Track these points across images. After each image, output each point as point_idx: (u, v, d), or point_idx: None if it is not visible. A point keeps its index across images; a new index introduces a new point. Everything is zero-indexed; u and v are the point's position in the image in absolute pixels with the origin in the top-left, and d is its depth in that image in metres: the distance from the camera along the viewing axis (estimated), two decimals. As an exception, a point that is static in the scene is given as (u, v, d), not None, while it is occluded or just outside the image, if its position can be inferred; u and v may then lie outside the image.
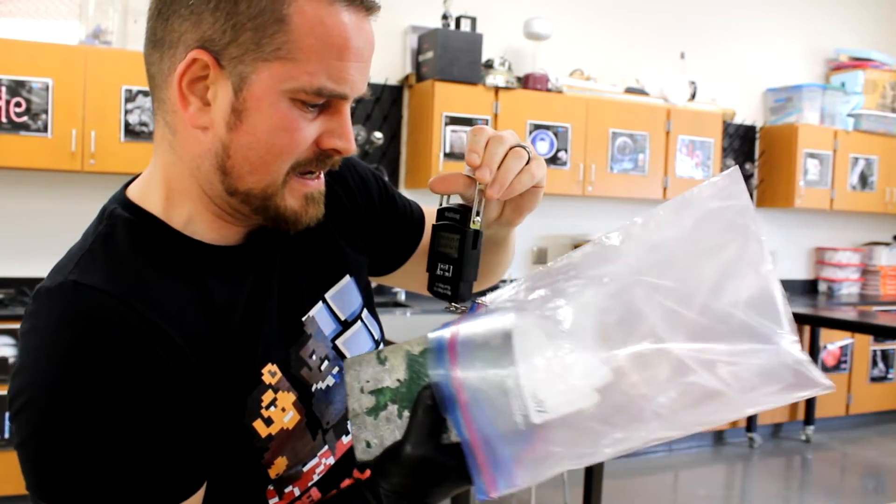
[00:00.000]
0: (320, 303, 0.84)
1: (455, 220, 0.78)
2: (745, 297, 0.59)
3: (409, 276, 1.03)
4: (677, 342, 0.58)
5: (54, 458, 0.64)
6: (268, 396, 0.75)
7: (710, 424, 0.58)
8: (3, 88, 3.34)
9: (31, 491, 0.67)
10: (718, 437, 4.94)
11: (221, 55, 0.68)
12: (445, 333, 0.66)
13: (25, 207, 3.73)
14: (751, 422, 4.85)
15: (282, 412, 0.76)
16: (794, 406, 5.08)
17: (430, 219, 1.01)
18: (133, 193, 0.78)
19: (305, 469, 0.79)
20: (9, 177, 3.68)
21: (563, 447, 0.60)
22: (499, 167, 0.75)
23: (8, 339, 3.25)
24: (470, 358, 0.63)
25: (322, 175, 0.77)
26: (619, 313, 0.61)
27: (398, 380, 0.69)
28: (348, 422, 0.82)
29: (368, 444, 0.71)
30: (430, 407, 0.64)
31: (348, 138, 0.73)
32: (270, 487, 0.77)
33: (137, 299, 0.68)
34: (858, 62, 5.61)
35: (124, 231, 0.73)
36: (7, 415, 3.47)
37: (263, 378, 0.75)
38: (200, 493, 0.71)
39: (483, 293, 0.73)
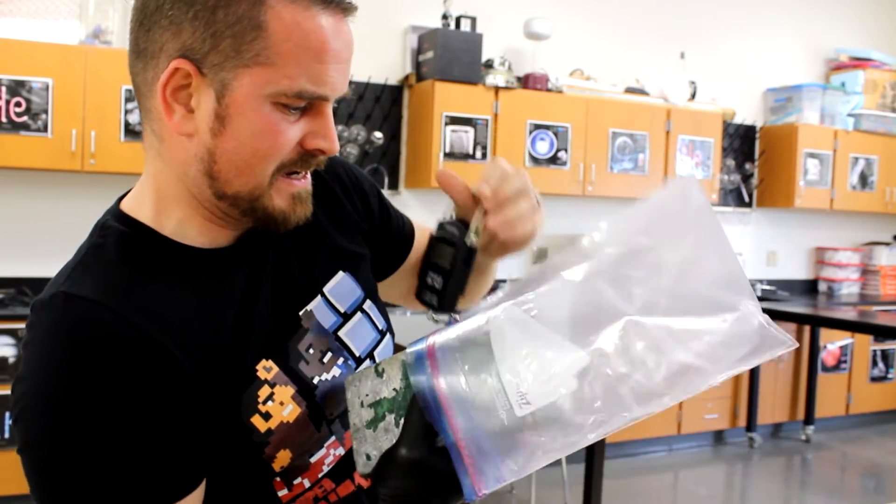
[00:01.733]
0: (319, 297, 0.85)
1: (453, 234, 0.81)
2: (709, 277, 0.63)
3: (391, 288, 1.05)
4: (648, 321, 0.61)
5: (49, 464, 0.66)
6: (264, 392, 0.76)
7: (685, 396, 0.61)
8: (3, 88, 3.34)
9: (33, 494, 0.69)
10: (718, 436, 4.94)
11: (202, 63, 0.69)
12: (425, 342, 0.68)
13: (25, 207, 3.73)
14: (751, 422, 4.85)
15: (280, 406, 0.76)
16: (794, 406, 5.08)
17: (420, 234, 1.04)
18: (125, 205, 0.79)
19: (313, 460, 0.80)
20: (9, 177, 3.68)
21: (547, 437, 0.62)
22: (508, 202, 0.78)
23: (8, 339, 3.25)
24: (449, 362, 0.65)
25: (308, 175, 0.78)
26: (589, 302, 0.63)
27: (394, 389, 0.71)
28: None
29: (369, 457, 0.71)
30: (423, 409, 0.65)
31: (332, 139, 0.75)
32: (277, 479, 0.78)
33: (127, 307, 0.69)
34: (858, 62, 5.61)
35: (115, 241, 0.75)
36: (7, 414, 3.44)
37: (258, 374, 0.76)
38: (198, 493, 0.72)
39: (459, 311, 0.76)
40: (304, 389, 0.79)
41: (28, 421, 0.67)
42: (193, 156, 0.72)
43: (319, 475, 0.81)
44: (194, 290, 0.75)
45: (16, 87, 3.36)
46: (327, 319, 0.84)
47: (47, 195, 3.75)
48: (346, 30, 0.73)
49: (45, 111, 3.40)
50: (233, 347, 0.75)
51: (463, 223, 0.81)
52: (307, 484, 0.80)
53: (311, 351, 0.81)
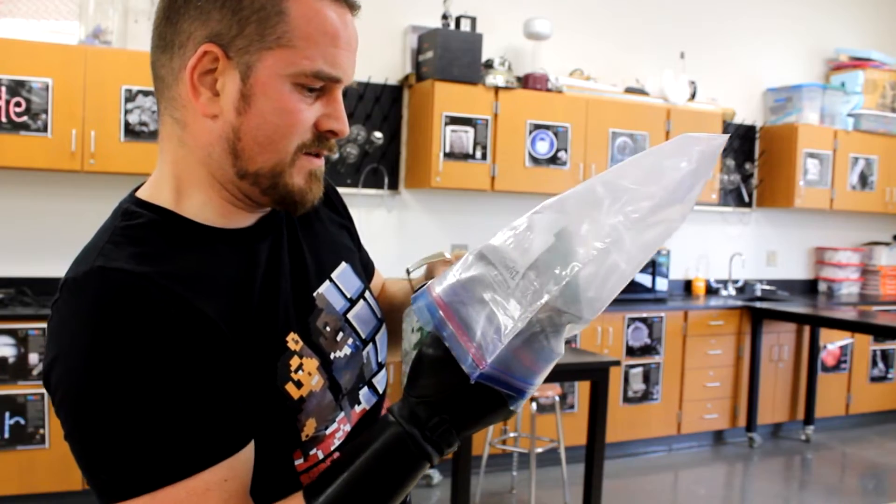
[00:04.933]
0: (328, 281, 0.90)
1: None
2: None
3: None
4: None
5: (103, 439, 0.67)
6: (295, 362, 0.80)
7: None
8: (3, 88, 3.34)
9: (89, 478, 0.70)
10: (718, 436, 4.94)
11: (229, 47, 0.75)
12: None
13: (25, 207, 3.73)
14: (751, 422, 4.85)
15: (308, 376, 0.81)
16: (793, 406, 5.08)
17: (377, 278, 1.10)
18: (143, 194, 0.82)
19: (328, 432, 0.84)
20: (9, 177, 3.68)
21: (539, 281, 0.69)
22: None
23: (8, 339, 3.25)
24: (444, 279, 0.74)
25: (322, 158, 0.84)
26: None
27: None
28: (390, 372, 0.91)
29: None
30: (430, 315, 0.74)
31: (343, 121, 0.81)
32: (298, 449, 0.81)
33: (165, 277, 0.72)
34: (858, 62, 5.61)
35: (141, 222, 0.78)
36: (7, 414, 3.42)
37: (288, 345, 0.80)
38: (249, 451, 0.74)
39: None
40: (325, 363, 0.83)
41: (71, 403, 0.68)
42: (218, 136, 0.78)
43: (331, 448, 0.84)
44: (221, 264, 0.79)
45: (16, 87, 3.36)
46: (337, 302, 0.89)
47: (47, 195, 3.75)
48: (353, 24, 0.80)
49: (45, 111, 3.40)
50: (262, 319, 0.79)
51: None
52: (321, 455, 0.83)
53: (328, 329, 0.86)
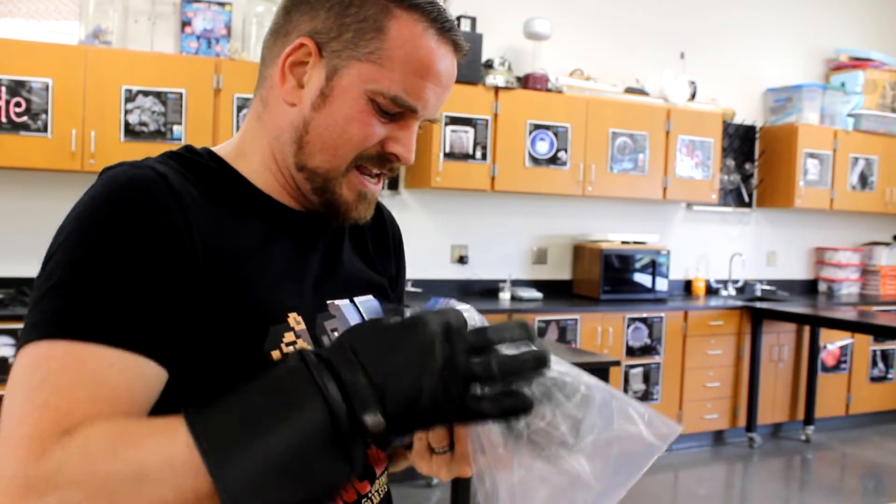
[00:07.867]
0: (348, 300, 0.90)
1: None
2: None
3: None
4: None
5: (47, 285, 0.70)
6: (289, 336, 0.80)
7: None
8: (3, 88, 3.34)
9: (25, 321, 0.71)
10: (718, 436, 4.94)
11: (324, 47, 0.80)
12: None
13: (25, 207, 3.73)
14: (751, 422, 4.85)
15: None
16: (794, 406, 5.08)
17: None
18: (207, 145, 0.88)
19: None
20: (9, 177, 3.68)
21: None
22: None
23: (8, 339, 3.25)
24: None
25: (380, 183, 0.86)
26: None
27: None
28: None
29: None
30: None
31: (410, 149, 0.83)
32: None
33: (181, 186, 0.76)
34: (858, 62, 5.61)
35: (194, 158, 0.83)
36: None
37: (289, 320, 0.81)
38: (155, 371, 0.70)
39: None
40: None
41: (52, 250, 0.73)
42: (290, 123, 0.82)
43: None
44: (249, 221, 0.82)
45: (16, 87, 3.36)
46: (355, 320, 0.89)
47: (47, 195, 3.75)
48: (452, 62, 0.82)
49: (45, 111, 3.40)
50: (272, 289, 0.81)
51: None
52: None
53: (335, 334, 0.85)
